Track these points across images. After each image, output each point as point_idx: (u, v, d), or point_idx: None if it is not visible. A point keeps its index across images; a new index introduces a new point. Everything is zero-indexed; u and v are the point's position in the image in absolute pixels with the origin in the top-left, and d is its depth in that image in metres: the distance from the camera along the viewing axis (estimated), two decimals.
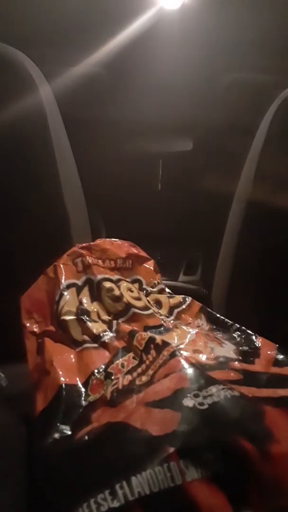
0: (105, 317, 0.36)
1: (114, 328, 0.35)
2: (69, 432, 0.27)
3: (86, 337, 0.34)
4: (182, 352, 0.30)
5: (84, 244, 0.41)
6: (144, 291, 0.41)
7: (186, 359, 0.29)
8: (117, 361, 0.32)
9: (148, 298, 0.41)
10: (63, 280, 0.36)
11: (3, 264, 0.51)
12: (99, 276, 0.38)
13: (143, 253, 0.45)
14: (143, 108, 1.00)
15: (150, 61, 0.96)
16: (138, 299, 0.38)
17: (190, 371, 0.27)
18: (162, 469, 0.22)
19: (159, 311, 0.40)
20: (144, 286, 0.42)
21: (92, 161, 0.86)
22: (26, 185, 0.51)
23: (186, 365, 0.28)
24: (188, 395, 0.25)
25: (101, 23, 0.90)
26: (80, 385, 0.31)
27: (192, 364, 0.28)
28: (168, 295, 0.42)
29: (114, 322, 0.36)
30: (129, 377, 0.30)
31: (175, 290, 0.44)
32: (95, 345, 0.34)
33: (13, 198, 0.51)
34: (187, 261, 1.14)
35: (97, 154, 0.96)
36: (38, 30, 0.92)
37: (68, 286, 0.36)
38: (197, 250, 1.18)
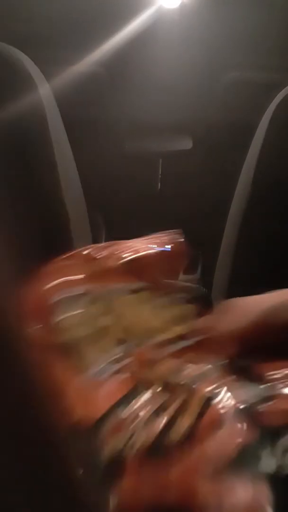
0: None
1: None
2: None
3: None
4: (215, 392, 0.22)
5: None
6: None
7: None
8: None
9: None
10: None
11: (2, 265, 0.51)
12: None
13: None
14: (143, 107, 1.00)
15: (149, 60, 0.96)
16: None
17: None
18: None
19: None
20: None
21: (92, 161, 0.86)
22: (26, 185, 0.51)
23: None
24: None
25: (100, 22, 0.90)
26: None
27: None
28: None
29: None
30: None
31: (175, 290, 0.44)
32: None
33: (13, 198, 0.51)
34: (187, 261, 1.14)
35: (97, 154, 0.96)
36: (38, 29, 0.92)
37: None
38: (197, 250, 1.17)
